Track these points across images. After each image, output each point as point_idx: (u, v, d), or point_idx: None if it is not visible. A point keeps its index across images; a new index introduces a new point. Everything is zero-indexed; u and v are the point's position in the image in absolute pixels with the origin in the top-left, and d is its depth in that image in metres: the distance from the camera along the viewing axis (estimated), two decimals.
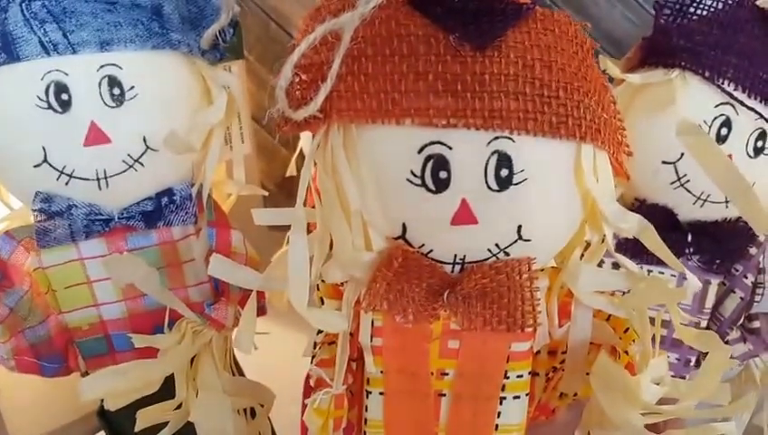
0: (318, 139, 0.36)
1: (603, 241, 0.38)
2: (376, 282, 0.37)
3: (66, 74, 0.43)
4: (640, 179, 0.50)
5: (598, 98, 0.35)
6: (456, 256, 0.37)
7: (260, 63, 0.84)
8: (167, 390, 0.46)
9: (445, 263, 0.37)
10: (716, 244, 0.52)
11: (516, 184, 0.34)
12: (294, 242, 0.36)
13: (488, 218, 0.35)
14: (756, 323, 0.55)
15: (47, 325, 0.48)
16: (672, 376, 0.39)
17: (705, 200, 0.50)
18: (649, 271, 0.53)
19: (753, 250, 0.53)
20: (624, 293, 0.40)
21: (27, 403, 0.58)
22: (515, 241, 0.36)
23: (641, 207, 0.52)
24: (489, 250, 0.36)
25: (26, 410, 0.58)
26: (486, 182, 0.34)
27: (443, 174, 0.34)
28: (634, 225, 0.37)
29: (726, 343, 0.54)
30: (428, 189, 0.34)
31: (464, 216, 0.35)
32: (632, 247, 0.48)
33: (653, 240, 0.37)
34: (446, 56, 0.33)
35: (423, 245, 0.36)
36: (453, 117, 0.33)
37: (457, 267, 0.37)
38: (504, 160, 0.34)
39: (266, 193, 0.61)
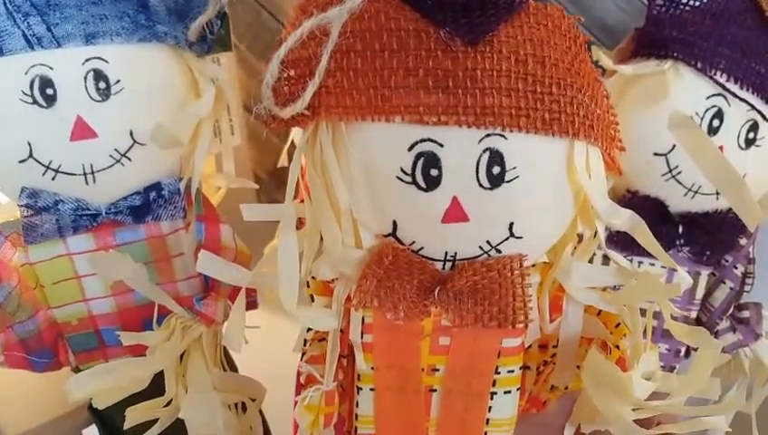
0: (306, 135, 0.35)
1: (595, 236, 0.38)
2: (366, 279, 0.36)
3: (51, 68, 0.42)
4: (632, 171, 0.50)
5: (591, 93, 0.34)
6: (446, 253, 0.36)
7: (251, 52, 0.82)
8: (156, 386, 0.46)
9: (435, 260, 0.37)
10: (707, 235, 0.52)
11: (508, 181, 0.34)
12: (284, 240, 0.35)
13: (480, 216, 0.34)
14: (746, 313, 0.55)
15: (36, 320, 0.48)
16: (662, 366, 0.38)
17: (696, 192, 0.50)
18: (640, 262, 0.53)
19: (743, 241, 0.53)
20: (615, 287, 0.40)
21: (18, 397, 0.58)
22: (507, 238, 0.36)
23: (633, 198, 0.52)
24: (480, 247, 0.36)
25: (17, 404, 0.57)
26: (478, 180, 0.34)
27: (434, 172, 0.33)
28: (626, 221, 0.37)
29: (716, 332, 0.55)
30: (419, 187, 0.34)
31: (455, 213, 0.34)
32: (622, 240, 0.48)
33: (645, 236, 0.37)
34: (437, 51, 0.32)
35: (414, 242, 0.36)
36: (444, 114, 0.32)
37: (448, 264, 0.37)
38: (496, 158, 0.33)
39: (257, 186, 0.61)
